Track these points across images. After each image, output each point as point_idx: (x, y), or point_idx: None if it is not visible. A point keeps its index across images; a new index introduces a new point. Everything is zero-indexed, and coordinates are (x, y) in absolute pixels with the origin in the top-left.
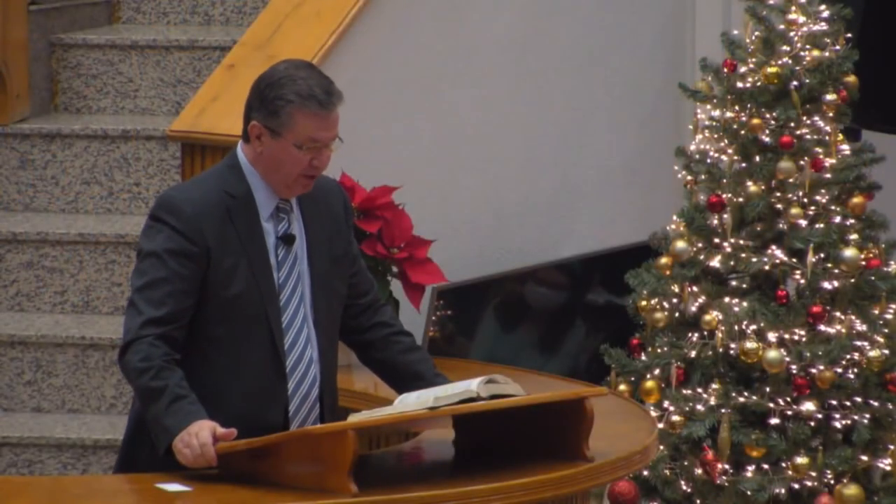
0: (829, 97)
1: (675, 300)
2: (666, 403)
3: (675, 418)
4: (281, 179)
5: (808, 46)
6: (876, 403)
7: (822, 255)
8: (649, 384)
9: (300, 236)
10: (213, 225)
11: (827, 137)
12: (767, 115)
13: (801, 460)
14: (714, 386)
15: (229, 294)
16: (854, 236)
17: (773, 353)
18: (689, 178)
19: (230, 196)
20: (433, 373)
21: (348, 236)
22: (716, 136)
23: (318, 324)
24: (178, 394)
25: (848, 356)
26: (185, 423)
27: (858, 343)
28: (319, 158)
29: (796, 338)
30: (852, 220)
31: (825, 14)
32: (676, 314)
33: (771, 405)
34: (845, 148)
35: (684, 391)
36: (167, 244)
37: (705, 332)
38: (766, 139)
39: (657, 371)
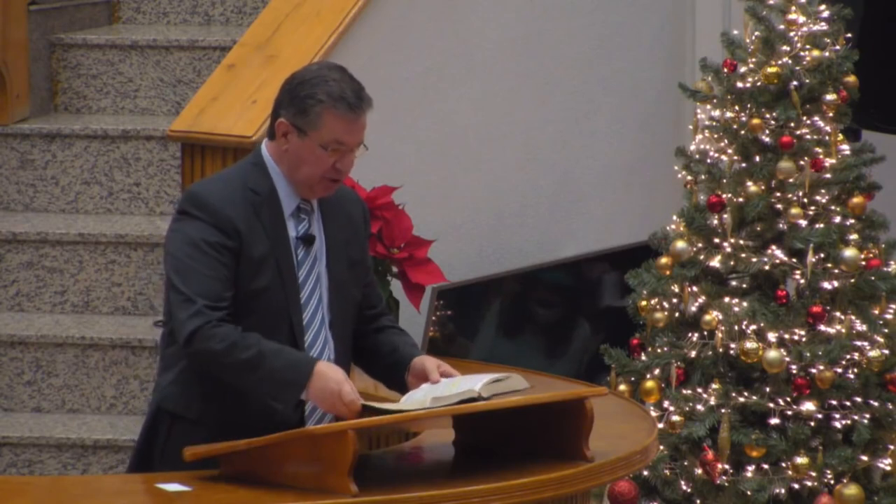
0: (829, 97)
1: (675, 300)
2: (666, 403)
3: (675, 418)
4: (303, 179)
5: (808, 46)
6: (876, 403)
7: (822, 255)
8: (649, 384)
9: (319, 238)
10: (241, 218)
11: (827, 137)
12: (767, 115)
13: (801, 460)
14: (714, 386)
15: (257, 286)
16: (854, 236)
17: (773, 353)
18: (689, 178)
19: (254, 193)
20: (410, 344)
21: (365, 245)
22: (716, 136)
23: (333, 326)
24: (273, 349)
25: (848, 356)
26: (306, 366)
27: (858, 343)
28: (343, 162)
29: (796, 338)
30: (852, 220)
31: (825, 14)
32: (676, 314)
33: (771, 405)
34: (845, 148)
35: (684, 391)
36: (203, 235)
37: (705, 332)
38: (766, 139)
39: (657, 371)
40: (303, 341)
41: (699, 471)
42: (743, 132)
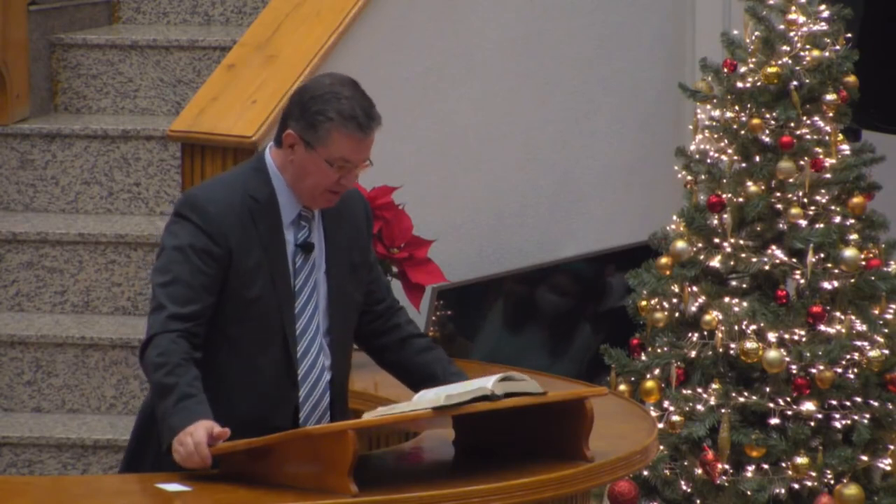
0: (829, 97)
1: (675, 300)
2: (666, 403)
3: (675, 418)
4: (306, 190)
5: (808, 46)
6: (876, 403)
7: (822, 255)
8: (649, 384)
9: (319, 245)
10: (236, 227)
11: (827, 137)
12: (767, 115)
13: (801, 460)
14: (714, 386)
15: (249, 295)
16: (854, 236)
17: (773, 353)
18: (689, 178)
19: (254, 200)
20: (449, 372)
21: (368, 244)
22: (716, 136)
23: (330, 333)
24: (186, 392)
25: (848, 356)
26: (187, 423)
27: (858, 343)
28: (347, 178)
29: (796, 338)
30: (852, 220)
31: (825, 14)
32: (676, 314)
33: (771, 405)
34: (845, 148)
35: (684, 391)
36: (191, 240)
37: (705, 332)
38: (766, 139)
39: (657, 371)
40: (296, 350)
41: (699, 471)
42: (743, 132)
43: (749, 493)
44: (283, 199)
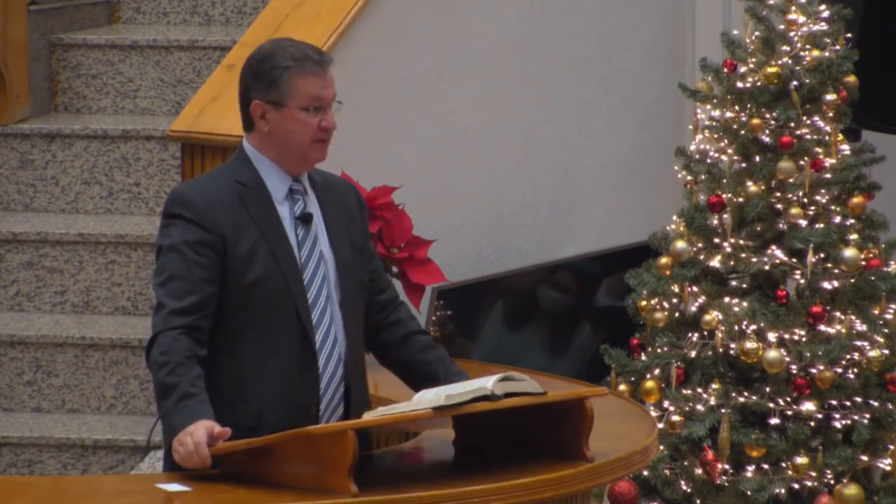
0: (829, 97)
1: (675, 300)
2: (666, 403)
3: (675, 418)
4: (295, 151)
5: (808, 46)
6: (876, 403)
7: (822, 255)
8: (649, 384)
9: (318, 219)
10: (227, 213)
11: (827, 137)
12: (767, 115)
13: (801, 460)
14: (714, 386)
15: (250, 279)
16: (854, 236)
17: (773, 353)
18: (689, 178)
19: (241, 184)
20: (450, 371)
21: (365, 231)
22: (716, 136)
23: (342, 306)
24: (187, 392)
25: (848, 356)
26: (187, 422)
27: (858, 343)
28: (326, 119)
29: (796, 338)
30: (852, 220)
31: (825, 14)
32: (676, 314)
33: (771, 405)
34: (845, 148)
35: (684, 391)
36: (183, 236)
37: (705, 332)
38: (766, 139)
39: (657, 371)
40: (310, 320)
41: (699, 471)
42: (743, 132)
43: (749, 493)
44: (270, 180)
